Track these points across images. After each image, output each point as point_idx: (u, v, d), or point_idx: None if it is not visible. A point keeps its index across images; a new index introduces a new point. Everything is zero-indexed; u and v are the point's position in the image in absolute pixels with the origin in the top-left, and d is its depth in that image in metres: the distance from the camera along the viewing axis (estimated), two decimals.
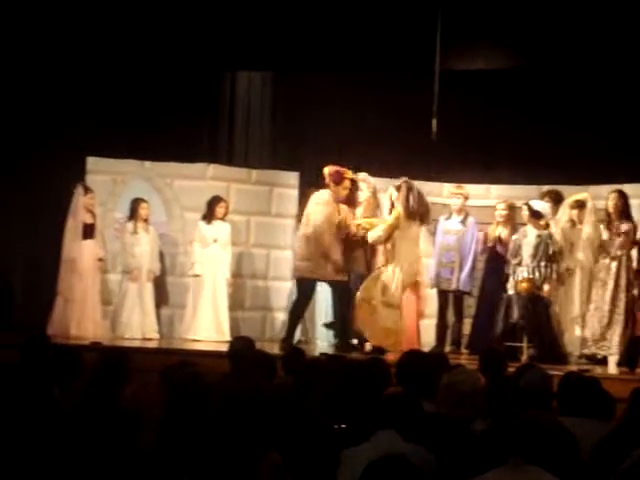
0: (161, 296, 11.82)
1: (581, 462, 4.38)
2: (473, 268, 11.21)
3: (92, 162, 11.91)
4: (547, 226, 10.52)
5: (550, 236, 10.44)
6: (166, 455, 4.25)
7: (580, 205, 10.57)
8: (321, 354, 9.08)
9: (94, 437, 4.07)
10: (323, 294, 11.26)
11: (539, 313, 10.30)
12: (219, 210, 11.61)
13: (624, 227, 10.25)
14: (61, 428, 4.12)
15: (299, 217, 11.45)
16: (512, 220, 11.13)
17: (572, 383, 5.48)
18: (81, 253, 11.26)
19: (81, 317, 11.14)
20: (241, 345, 6.92)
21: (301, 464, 3.53)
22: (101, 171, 11.96)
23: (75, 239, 11.27)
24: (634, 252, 10.32)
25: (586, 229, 10.41)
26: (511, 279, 10.56)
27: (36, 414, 4.29)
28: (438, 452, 4.45)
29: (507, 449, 3.71)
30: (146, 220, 11.54)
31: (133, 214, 11.51)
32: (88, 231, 11.34)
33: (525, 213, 10.65)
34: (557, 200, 10.87)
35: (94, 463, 3.97)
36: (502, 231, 11.07)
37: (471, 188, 11.74)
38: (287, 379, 6.19)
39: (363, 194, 11.15)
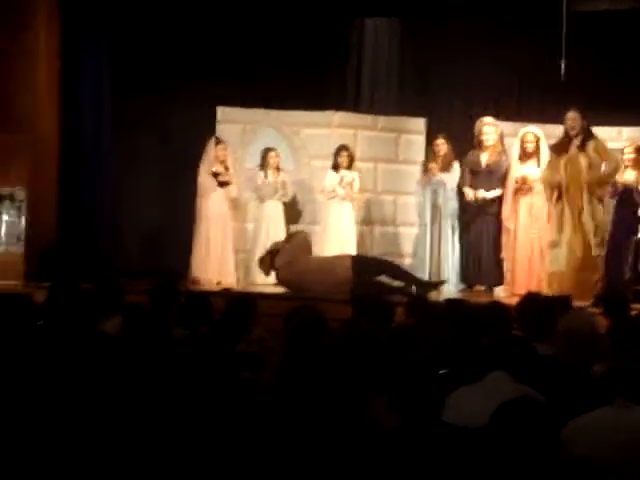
0: None
1: None
2: None
3: (222, 112, 12.13)
4: None
5: None
6: (286, 393, 4.40)
7: None
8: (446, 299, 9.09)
9: (215, 377, 4.24)
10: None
11: None
12: (341, 160, 11.66)
13: None
14: (185, 369, 4.30)
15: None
16: None
17: None
18: (214, 203, 11.50)
19: (212, 264, 11.39)
20: (362, 291, 7.03)
21: (406, 405, 3.61)
22: (231, 120, 12.16)
23: (207, 189, 11.50)
24: None
25: None
26: None
27: (158, 354, 4.49)
28: (551, 395, 4.46)
29: (615, 389, 3.71)
30: (278, 169, 11.71)
31: (263, 163, 11.71)
32: (220, 181, 11.55)
33: None
34: None
35: (217, 402, 4.13)
36: (631, 175, 10.82)
37: (602, 130, 11.53)
38: (406, 323, 6.29)
39: (490, 137, 11.17)
